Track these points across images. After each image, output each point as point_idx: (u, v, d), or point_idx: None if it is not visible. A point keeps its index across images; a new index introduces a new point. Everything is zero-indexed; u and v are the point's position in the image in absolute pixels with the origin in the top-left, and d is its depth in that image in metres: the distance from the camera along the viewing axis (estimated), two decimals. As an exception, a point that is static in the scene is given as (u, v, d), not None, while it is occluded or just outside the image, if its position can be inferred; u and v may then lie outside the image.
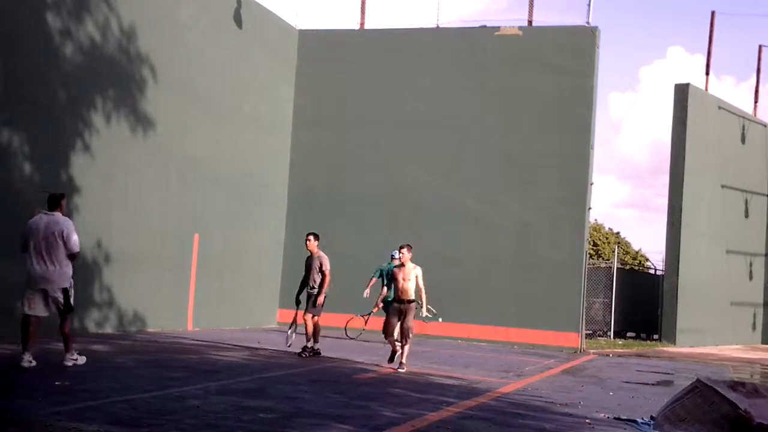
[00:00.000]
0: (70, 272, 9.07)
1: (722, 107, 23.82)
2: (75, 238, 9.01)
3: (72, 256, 9.05)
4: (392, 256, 14.11)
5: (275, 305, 18.94)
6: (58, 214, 9.05)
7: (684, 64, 79.97)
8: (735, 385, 3.39)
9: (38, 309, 9.04)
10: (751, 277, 24.67)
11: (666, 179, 22.77)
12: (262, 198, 18.61)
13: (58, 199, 9.13)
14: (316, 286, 12.20)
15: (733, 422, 3.44)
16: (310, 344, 12.21)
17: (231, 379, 9.09)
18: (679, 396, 3.45)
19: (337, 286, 18.02)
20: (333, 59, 19.59)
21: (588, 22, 18.06)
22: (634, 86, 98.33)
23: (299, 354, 12.06)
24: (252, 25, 17.89)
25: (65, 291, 9.05)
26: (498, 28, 18.66)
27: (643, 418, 8.09)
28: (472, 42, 18.81)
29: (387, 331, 11.44)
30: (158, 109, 14.92)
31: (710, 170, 23.13)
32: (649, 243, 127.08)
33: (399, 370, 10.85)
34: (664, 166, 66.81)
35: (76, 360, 9.23)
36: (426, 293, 11.50)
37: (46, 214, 9.05)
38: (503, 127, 18.34)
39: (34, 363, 8.77)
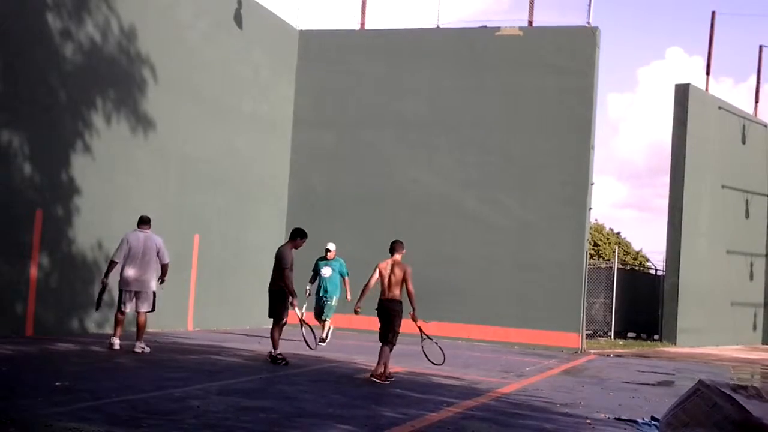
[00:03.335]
0: (157, 280, 11.17)
1: (722, 107, 23.81)
2: (167, 252, 11.22)
3: (164, 267, 11.19)
4: (327, 249, 14.56)
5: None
6: (150, 232, 11.15)
7: (683, 65, 79.99)
8: (737, 389, 3.37)
9: (130, 306, 11.01)
10: (751, 278, 24.66)
11: (665, 180, 22.78)
12: (262, 198, 18.60)
13: (149, 219, 11.28)
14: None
15: (735, 423, 3.43)
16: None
17: (231, 380, 9.08)
18: (681, 400, 3.44)
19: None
20: (333, 59, 19.58)
21: (588, 23, 18.05)
22: (632, 87, 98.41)
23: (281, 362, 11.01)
24: (252, 25, 17.88)
25: (154, 293, 11.08)
26: (498, 29, 18.64)
27: (643, 419, 8.09)
28: (473, 42, 18.80)
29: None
30: (158, 109, 14.91)
31: (710, 170, 23.12)
32: (650, 243, 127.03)
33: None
34: (662, 166, 66.82)
35: (144, 348, 10.99)
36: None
37: (141, 231, 11.11)
38: (503, 127, 18.33)
39: (119, 347, 10.85)
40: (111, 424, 6.09)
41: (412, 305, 9.93)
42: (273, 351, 10.99)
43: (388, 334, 9.88)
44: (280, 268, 10.92)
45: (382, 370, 9.70)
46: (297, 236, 11.27)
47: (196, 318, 16.26)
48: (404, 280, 9.88)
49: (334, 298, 14.52)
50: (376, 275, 10.07)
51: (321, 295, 14.44)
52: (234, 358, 11.46)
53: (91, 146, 13.33)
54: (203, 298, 16.42)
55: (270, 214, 18.77)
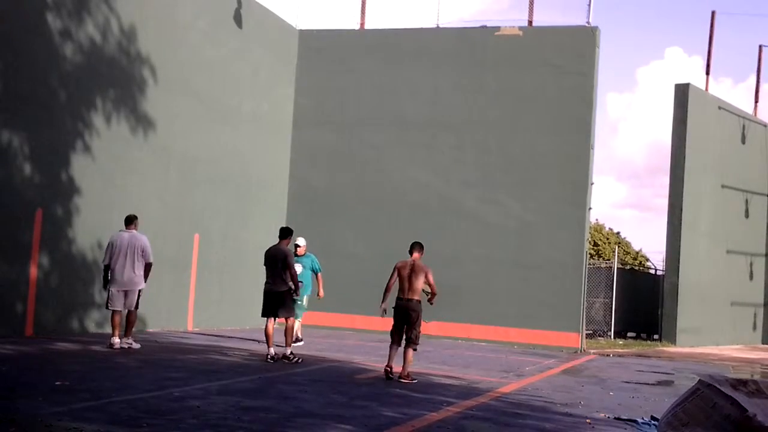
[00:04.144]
0: (143, 278, 11.42)
1: (722, 107, 23.82)
2: (150, 251, 11.39)
3: (148, 265, 11.39)
4: (296, 245, 13.82)
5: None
6: (135, 231, 11.36)
7: (682, 66, 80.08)
8: (737, 384, 3.38)
9: (119, 305, 11.33)
10: (751, 277, 24.67)
11: (664, 180, 22.86)
12: (262, 198, 18.60)
13: (134, 218, 11.48)
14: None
15: (735, 423, 3.43)
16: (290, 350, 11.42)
17: (231, 379, 9.09)
18: (681, 400, 3.45)
19: (337, 286, 18.11)
20: (333, 59, 19.58)
21: (588, 22, 18.05)
22: (631, 87, 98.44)
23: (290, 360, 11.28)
24: (252, 25, 17.88)
25: (140, 292, 11.38)
26: (498, 28, 18.64)
27: (643, 418, 8.09)
28: (472, 42, 18.80)
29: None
30: (158, 109, 14.92)
31: (710, 170, 23.12)
32: (649, 243, 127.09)
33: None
34: (661, 166, 66.85)
35: (131, 344, 11.33)
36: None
37: (126, 231, 11.34)
38: (503, 127, 18.33)
39: (119, 344, 11.16)
40: (111, 424, 6.10)
41: (431, 298, 10.34)
42: (287, 351, 11.27)
43: (411, 336, 10.11)
44: (286, 266, 11.16)
45: (408, 372, 9.97)
46: (289, 234, 11.72)
47: (196, 318, 16.26)
48: (426, 279, 10.17)
49: (305, 297, 13.70)
50: (395, 275, 10.28)
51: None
52: (234, 358, 11.47)
53: (91, 146, 13.33)
54: (203, 298, 16.43)
55: (270, 214, 18.76)
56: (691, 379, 10.66)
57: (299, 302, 13.42)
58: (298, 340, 13.74)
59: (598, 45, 17.95)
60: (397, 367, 10.09)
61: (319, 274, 14.05)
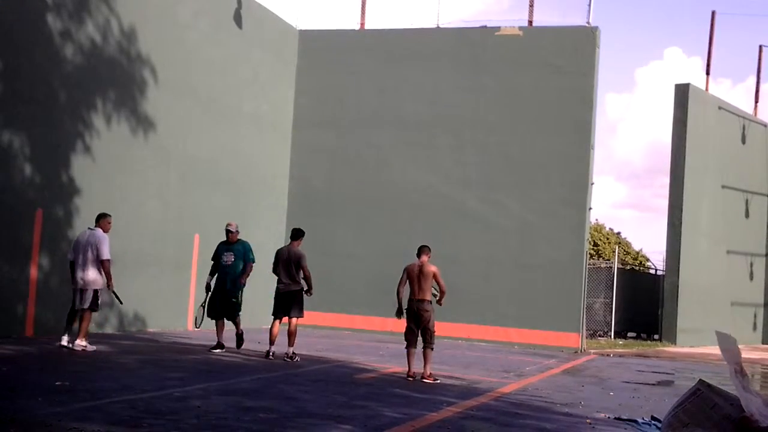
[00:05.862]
0: (101, 278, 10.93)
1: (722, 107, 23.82)
2: (104, 249, 10.89)
3: (102, 263, 10.86)
4: (228, 231, 12.31)
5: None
6: (98, 230, 11.05)
7: (681, 66, 79.93)
8: (736, 372, 3.40)
9: (77, 303, 10.96)
10: (751, 278, 24.66)
11: (663, 180, 22.92)
12: (262, 198, 18.60)
13: (99, 217, 11.20)
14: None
15: (734, 423, 3.42)
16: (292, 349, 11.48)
17: (231, 379, 9.08)
18: (681, 401, 3.44)
19: (337, 286, 18.12)
20: (333, 59, 19.58)
21: (588, 23, 18.05)
22: (630, 88, 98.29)
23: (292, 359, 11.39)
24: (252, 25, 17.88)
25: (95, 291, 10.91)
26: (498, 29, 18.64)
27: (643, 418, 8.09)
28: (472, 42, 18.79)
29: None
30: (158, 110, 14.92)
31: (710, 170, 23.12)
32: (650, 243, 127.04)
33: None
34: (660, 166, 66.81)
35: (85, 346, 10.69)
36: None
37: (90, 229, 11.08)
38: (503, 127, 18.33)
39: (70, 345, 10.67)
40: (111, 424, 6.09)
41: (440, 298, 10.51)
42: (289, 350, 11.45)
43: (426, 337, 10.39)
44: (300, 267, 11.52)
45: (430, 372, 10.25)
46: (301, 235, 11.92)
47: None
48: (435, 279, 10.38)
49: (240, 293, 12.21)
50: (405, 278, 10.49)
51: (222, 287, 12.14)
52: (234, 358, 11.47)
53: (91, 146, 13.33)
54: (203, 298, 16.38)
55: (270, 214, 18.76)
56: (692, 380, 10.66)
57: (234, 300, 12.22)
58: (241, 340, 12.56)
59: (598, 45, 17.95)
60: (417, 369, 10.29)
61: (250, 263, 12.20)
